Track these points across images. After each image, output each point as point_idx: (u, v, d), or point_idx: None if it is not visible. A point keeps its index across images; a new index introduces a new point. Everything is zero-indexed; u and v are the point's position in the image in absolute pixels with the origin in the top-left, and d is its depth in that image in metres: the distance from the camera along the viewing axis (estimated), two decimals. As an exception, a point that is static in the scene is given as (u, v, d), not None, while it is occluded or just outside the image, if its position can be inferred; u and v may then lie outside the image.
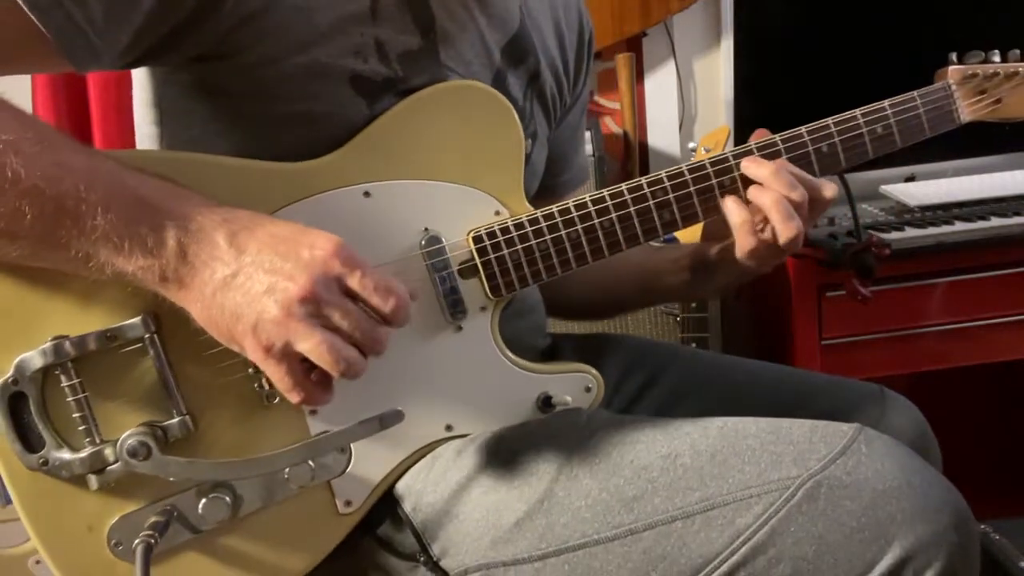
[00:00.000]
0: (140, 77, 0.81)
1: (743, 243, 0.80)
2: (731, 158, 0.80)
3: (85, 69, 0.69)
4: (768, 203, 0.77)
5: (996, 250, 1.46)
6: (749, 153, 0.80)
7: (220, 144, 0.76)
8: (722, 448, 0.68)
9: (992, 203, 1.58)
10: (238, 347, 0.62)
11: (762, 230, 0.80)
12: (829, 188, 0.80)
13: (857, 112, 0.83)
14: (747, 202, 0.80)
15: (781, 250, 0.80)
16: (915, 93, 0.85)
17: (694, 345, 1.57)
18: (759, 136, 0.83)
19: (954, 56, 0.88)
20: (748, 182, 0.80)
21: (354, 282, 0.62)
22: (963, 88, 0.86)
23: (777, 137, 0.82)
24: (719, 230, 0.86)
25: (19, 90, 1.60)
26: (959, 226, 1.48)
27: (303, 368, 0.62)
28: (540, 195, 0.92)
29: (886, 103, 0.84)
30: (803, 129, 0.82)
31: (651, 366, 0.99)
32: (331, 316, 0.61)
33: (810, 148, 0.81)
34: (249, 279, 0.61)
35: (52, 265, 0.64)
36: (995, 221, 1.48)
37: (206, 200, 0.65)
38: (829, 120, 0.83)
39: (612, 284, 1.01)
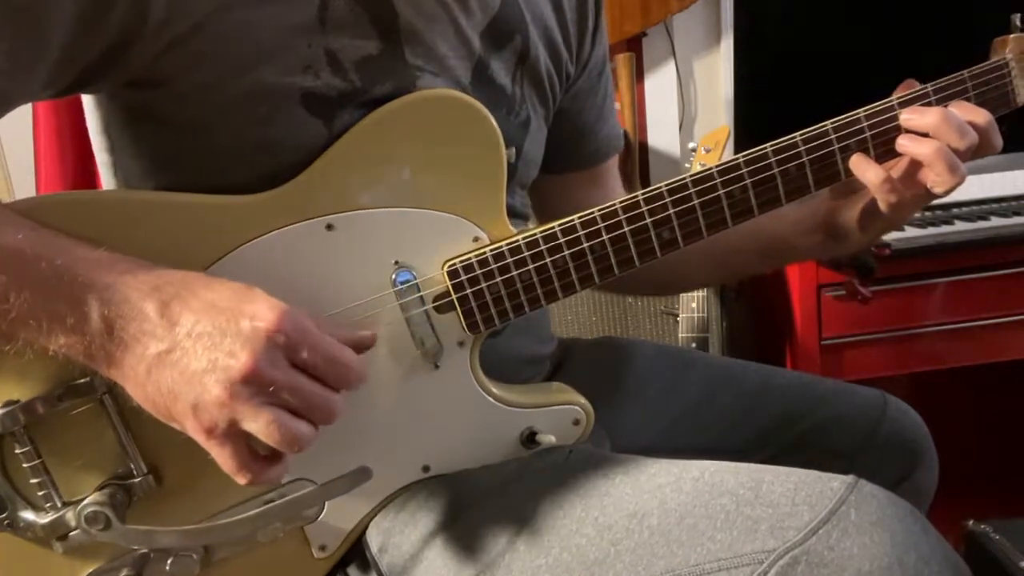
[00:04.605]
0: (88, 102, 0.75)
1: (884, 200, 0.75)
2: (743, 164, 0.72)
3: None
4: (930, 154, 0.71)
5: (996, 250, 1.46)
6: (765, 157, 0.72)
7: (172, 175, 0.70)
8: (694, 508, 0.61)
9: (992, 203, 1.59)
10: (179, 426, 0.58)
11: (908, 184, 0.74)
12: (999, 137, 0.73)
13: (894, 100, 0.74)
14: (893, 155, 0.73)
15: (930, 199, 0.75)
16: (964, 73, 0.74)
17: (694, 345, 1.57)
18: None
19: (1018, 19, 0.75)
20: (760, 185, 0.72)
21: (302, 357, 0.57)
22: (1023, 63, 0.74)
23: (798, 136, 0.73)
24: (848, 187, 0.80)
25: (20, 110, 1.59)
26: (959, 226, 1.48)
27: (249, 447, 0.58)
28: (570, 168, 0.85)
29: (929, 87, 0.74)
30: (829, 125, 0.73)
31: (667, 373, 0.97)
32: (278, 393, 0.56)
33: (836, 147, 0.73)
34: (186, 355, 0.55)
35: None
36: (995, 221, 1.48)
37: (135, 264, 0.59)
38: (860, 112, 0.73)
39: (725, 255, 0.94)
